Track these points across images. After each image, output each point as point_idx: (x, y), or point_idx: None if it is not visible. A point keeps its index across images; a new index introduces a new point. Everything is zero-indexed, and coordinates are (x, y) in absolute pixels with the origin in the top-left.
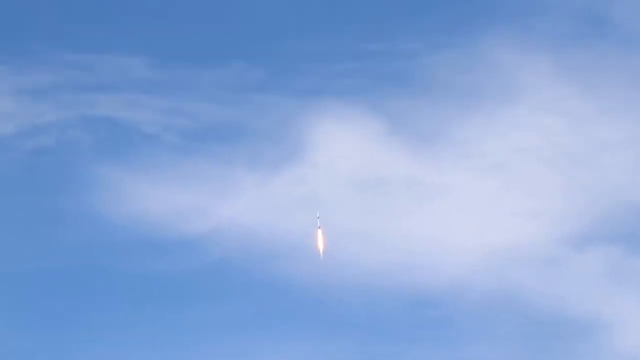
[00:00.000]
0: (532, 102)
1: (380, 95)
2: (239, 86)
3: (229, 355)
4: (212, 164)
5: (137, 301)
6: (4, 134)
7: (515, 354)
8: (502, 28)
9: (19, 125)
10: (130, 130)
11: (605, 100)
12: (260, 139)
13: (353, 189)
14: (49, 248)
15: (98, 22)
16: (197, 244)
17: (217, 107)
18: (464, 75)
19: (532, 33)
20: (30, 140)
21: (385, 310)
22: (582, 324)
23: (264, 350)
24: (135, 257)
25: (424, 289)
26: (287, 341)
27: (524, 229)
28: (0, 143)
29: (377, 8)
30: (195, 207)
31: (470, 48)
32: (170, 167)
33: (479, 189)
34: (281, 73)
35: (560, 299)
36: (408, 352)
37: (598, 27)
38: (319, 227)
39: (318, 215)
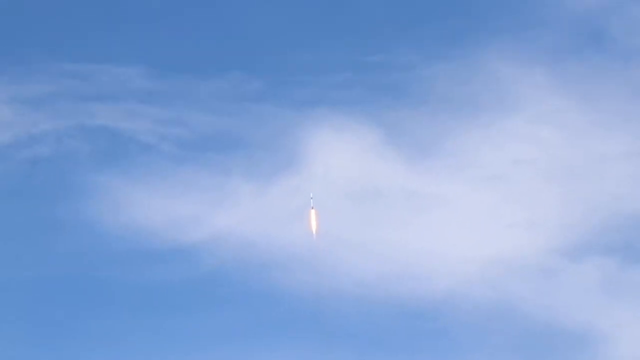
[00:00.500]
0: (529, 114)
1: (378, 107)
2: (236, 96)
3: None
4: (209, 174)
5: (134, 309)
6: (2, 143)
7: None
8: (500, 40)
9: (17, 135)
10: (127, 140)
11: (602, 113)
12: (257, 149)
13: (350, 200)
14: (46, 256)
15: (96, 32)
16: (194, 253)
17: (215, 117)
18: (461, 87)
19: (530, 45)
20: (28, 149)
21: (381, 320)
22: (578, 335)
23: None
24: (132, 265)
25: (420, 299)
26: (283, 351)
27: (520, 240)
28: None
29: (375, 20)
30: (192, 217)
31: (467, 60)
32: (167, 177)
33: (475, 200)
34: (278, 84)
35: (556, 310)
36: None
37: (595, 40)
38: (312, 208)
39: (311, 196)
